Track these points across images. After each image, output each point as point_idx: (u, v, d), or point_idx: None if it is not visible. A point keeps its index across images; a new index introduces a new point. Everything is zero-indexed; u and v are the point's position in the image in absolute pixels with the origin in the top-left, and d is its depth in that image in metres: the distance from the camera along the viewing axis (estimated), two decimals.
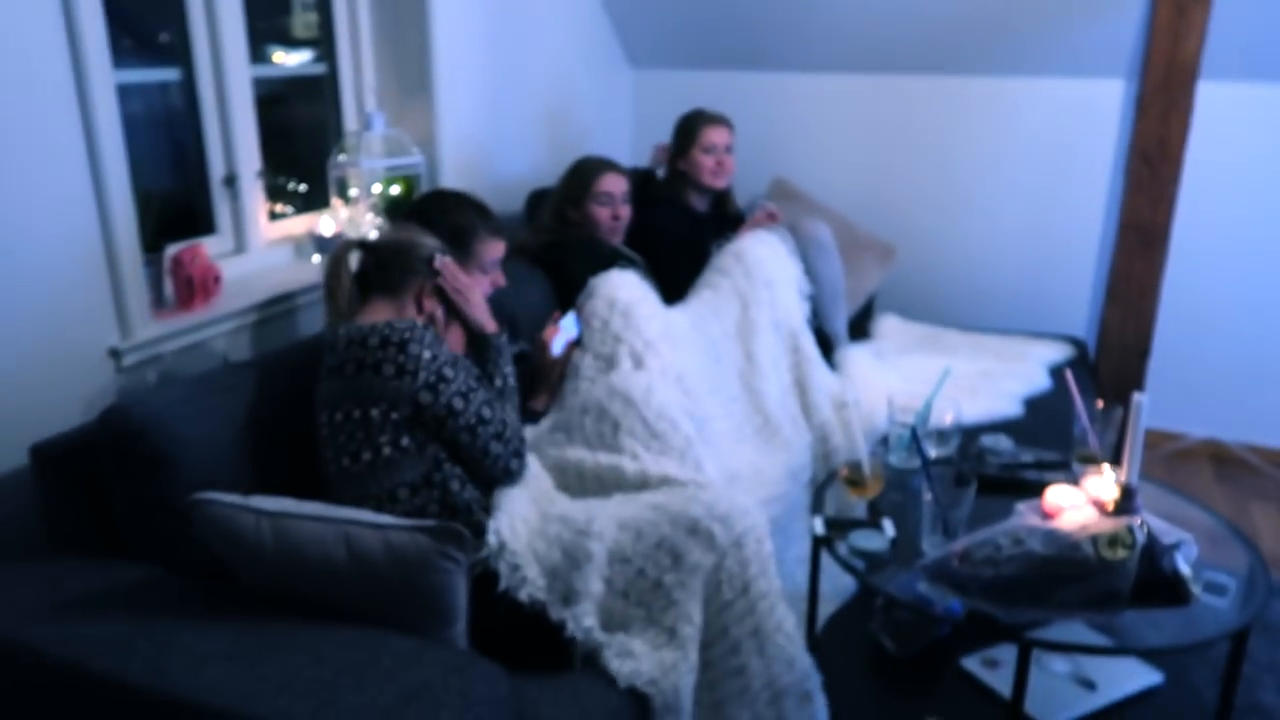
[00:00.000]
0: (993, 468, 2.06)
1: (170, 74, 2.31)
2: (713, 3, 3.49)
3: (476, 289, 1.91)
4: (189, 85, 2.33)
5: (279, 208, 2.76)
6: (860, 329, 3.24)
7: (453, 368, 1.69)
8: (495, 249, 2.06)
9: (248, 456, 1.69)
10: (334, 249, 1.87)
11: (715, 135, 3.00)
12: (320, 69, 2.77)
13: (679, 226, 2.99)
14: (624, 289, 2.19)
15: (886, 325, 3.26)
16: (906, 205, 3.65)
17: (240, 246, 2.47)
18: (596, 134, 3.69)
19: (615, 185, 2.72)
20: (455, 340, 1.93)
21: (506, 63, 3.12)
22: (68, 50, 1.78)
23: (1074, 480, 1.94)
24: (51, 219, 1.80)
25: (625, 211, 2.75)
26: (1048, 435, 2.30)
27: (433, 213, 2.07)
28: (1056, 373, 2.86)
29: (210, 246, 2.38)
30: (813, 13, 3.39)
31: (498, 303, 2.22)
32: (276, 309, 2.32)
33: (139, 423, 1.57)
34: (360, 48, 2.77)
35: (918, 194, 3.63)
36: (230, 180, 2.42)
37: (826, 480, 2.10)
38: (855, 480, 1.94)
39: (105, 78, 1.85)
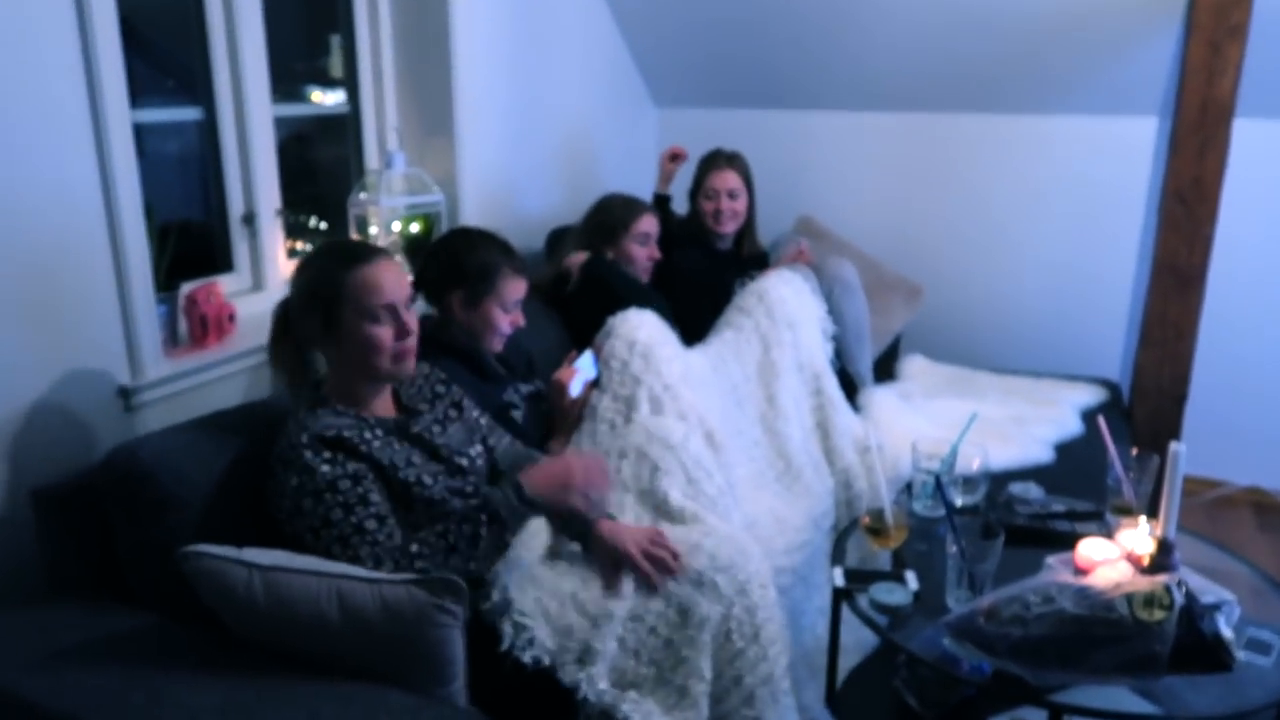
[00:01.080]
0: (1022, 517, 1.99)
1: (192, 113, 2.32)
2: (738, 41, 3.48)
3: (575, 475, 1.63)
4: (210, 124, 2.33)
5: (300, 245, 2.76)
6: (886, 370, 3.18)
7: (314, 498, 1.51)
8: (518, 287, 2.08)
9: (256, 499, 1.66)
10: (277, 308, 1.75)
11: (715, 180, 2.98)
12: (344, 108, 2.78)
13: (699, 266, 2.95)
14: (644, 329, 2.15)
15: (913, 366, 3.19)
16: (935, 244, 3.60)
17: (258, 284, 2.46)
18: (619, 172, 3.68)
19: (652, 226, 2.76)
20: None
21: (528, 101, 3.12)
22: (85, 88, 1.77)
23: (1108, 532, 1.86)
24: (65, 255, 1.78)
25: (657, 253, 2.75)
26: (1080, 484, 2.22)
27: (459, 251, 2.07)
28: (1089, 417, 2.77)
29: (227, 284, 2.38)
30: (840, 50, 3.36)
31: (515, 341, 2.20)
32: None
33: (146, 464, 1.54)
34: (383, 86, 2.77)
35: (947, 233, 3.58)
36: (249, 218, 2.41)
37: (848, 529, 2.03)
38: (877, 529, 1.87)
39: (122, 117, 1.84)
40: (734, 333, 2.52)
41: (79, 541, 1.62)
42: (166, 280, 2.14)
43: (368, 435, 1.60)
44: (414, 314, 1.69)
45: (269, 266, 2.47)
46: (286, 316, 1.71)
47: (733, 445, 2.30)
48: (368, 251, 1.66)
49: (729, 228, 3.03)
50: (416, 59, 2.76)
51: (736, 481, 2.19)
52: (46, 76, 1.72)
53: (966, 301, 3.58)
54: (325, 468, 1.52)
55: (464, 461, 1.72)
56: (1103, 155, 3.33)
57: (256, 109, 2.37)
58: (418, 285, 2.15)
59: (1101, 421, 1.99)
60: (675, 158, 3.16)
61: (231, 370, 2.15)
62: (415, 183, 2.76)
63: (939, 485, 1.78)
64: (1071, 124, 3.35)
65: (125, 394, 1.92)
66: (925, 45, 3.24)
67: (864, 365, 2.99)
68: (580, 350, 2.23)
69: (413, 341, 1.65)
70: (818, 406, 2.52)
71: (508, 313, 2.08)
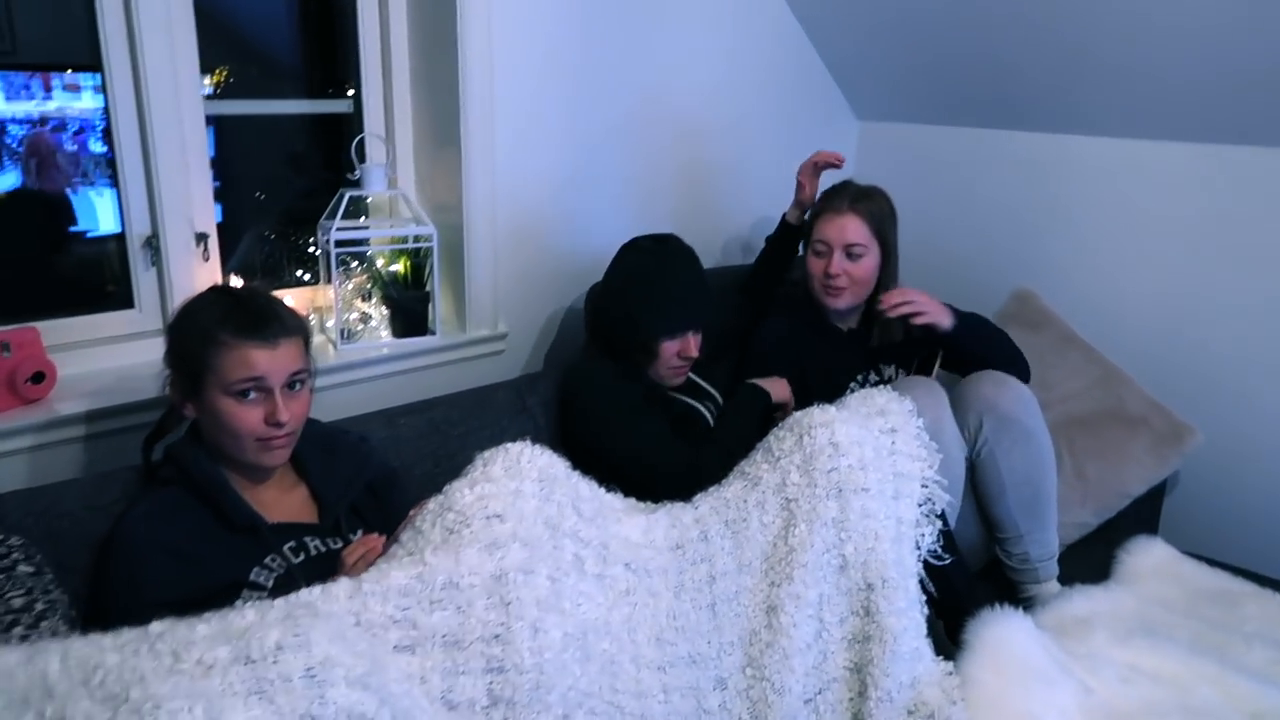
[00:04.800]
0: None
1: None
2: (965, 45, 2.39)
3: None
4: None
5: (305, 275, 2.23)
6: (1097, 556, 1.98)
7: None
8: (256, 359, 1.34)
9: None
10: None
11: (830, 228, 1.98)
12: (345, 107, 2.17)
13: (784, 348, 2.00)
14: (485, 484, 1.28)
15: (1144, 559, 1.96)
16: (1228, 359, 2.24)
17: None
18: (772, 200, 2.73)
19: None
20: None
21: (607, 98, 2.30)
22: None
23: None
24: None
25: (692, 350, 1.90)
26: None
27: (173, 322, 1.42)
28: None
29: (119, 324, 1.88)
30: (1115, 59, 2.16)
31: (356, 454, 1.50)
32: (129, 420, 1.72)
33: None
34: (391, 79, 2.13)
35: (1254, 340, 2.21)
36: (151, 241, 1.89)
37: None
38: None
39: None
40: (745, 487, 1.55)
41: None
42: None
43: None
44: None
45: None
46: None
47: (658, 681, 1.36)
48: None
49: (841, 302, 2.02)
50: (430, 38, 2.07)
51: None
52: None
53: (1270, 461, 2.19)
54: None
55: None
56: None
57: (161, 96, 1.81)
58: None
59: None
60: (821, 168, 2.18)
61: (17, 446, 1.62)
62: (414, 209, 2.10)
63: None
64: None
65: None
66: (1255, 56, 1.96)
67: (1039, 547, 1.86)
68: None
69: None
70: (860, 637, 1.48)
71: (248, 402, 1.34)
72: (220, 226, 2.06)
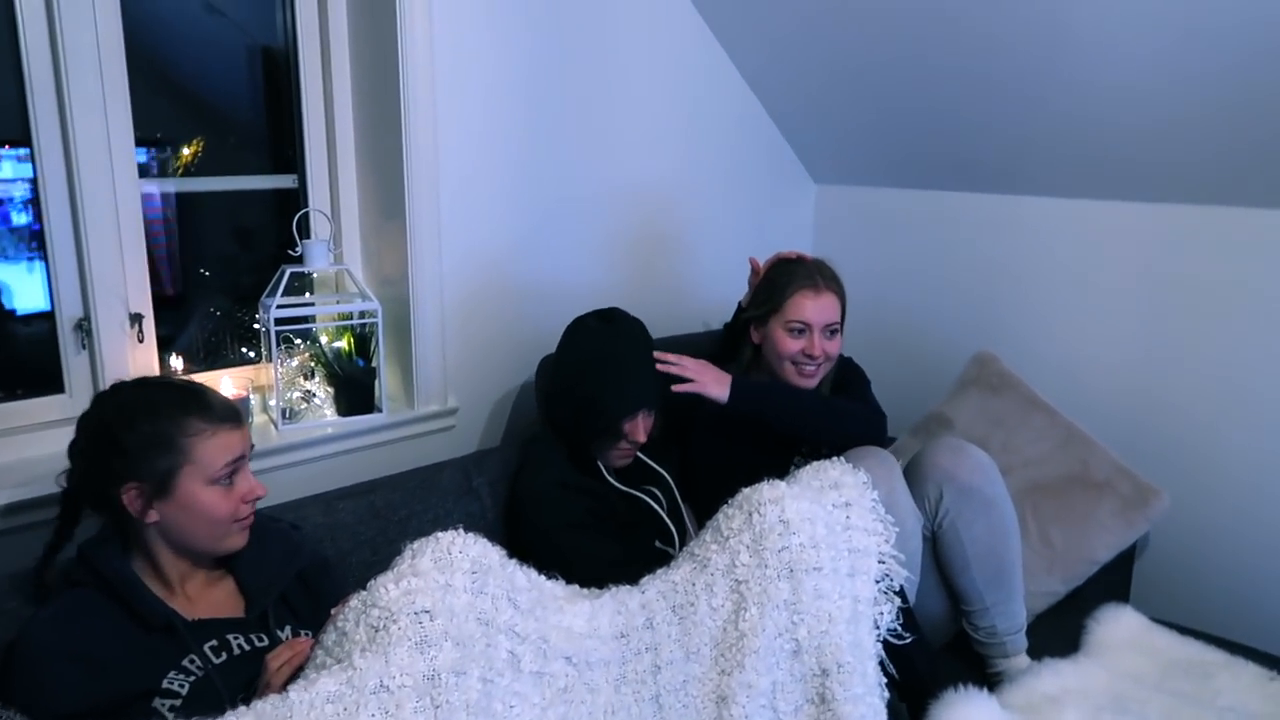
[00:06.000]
0: None
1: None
2: (917, 119, 2.41)
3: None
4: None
5: (248, 352, 2.17)
6: (1067, 628, 1.92)
7: None
8: (228, 443, 1.32)
9: None
10: None
11: (810, 308, 1.94)
12: (290, 183, 2.14)
13: (724, 421, 1.94)
14: (413, 578, 1.21)
15: (1115, 630, 1.90)
16: (1194, 419, 2.22)
17: None
18: (730, 266, 2.71)
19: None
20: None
21: (565, 172, 2.29)
22: None
23: None
24: None
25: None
26: None
27: (114, 424, 1.31)
28: None
29: (48, 410, 1.81)
30: (1066, 120, 2.17)
31: (284, 541, 1.42)
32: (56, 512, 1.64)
33: None
34: (335, 153, 2.10)
35: (1218, 400, 2.19)
36: (83, 324, 1.83)
37: None
38: None
39: None
40: (693, 570, 1.49)
41: None
42: None
43: None
44: None
45: None
46: None
47: None
48: None
49: (815, 381, 1.99)
50: (373, 117, 2.05)
51: None
52: None
53: (1240, 522, 2.16)
54: None
55: None
56: None
57: (93, 174, 1.77)
58: (69, 496, 1.37)
59: None
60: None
61: None
62: (371, 283, 2.07)
63: None
64: None
65: None
66: (1205, 121, 1.96)
67: (1006, 619, 1.81)
68: None
69: None
70: None
71: (228, 486, 1.32)
72: (179, 298, 2.03)
